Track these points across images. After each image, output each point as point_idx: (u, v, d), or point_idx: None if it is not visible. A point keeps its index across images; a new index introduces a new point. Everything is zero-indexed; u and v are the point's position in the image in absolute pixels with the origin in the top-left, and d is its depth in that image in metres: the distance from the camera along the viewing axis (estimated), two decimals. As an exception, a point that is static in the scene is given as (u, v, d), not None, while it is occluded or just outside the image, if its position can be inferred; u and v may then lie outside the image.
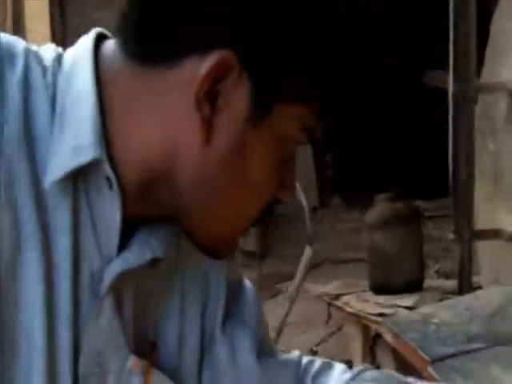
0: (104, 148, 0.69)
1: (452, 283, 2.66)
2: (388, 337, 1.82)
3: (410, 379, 0.97)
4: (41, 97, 0.70)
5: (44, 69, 0.72)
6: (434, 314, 1.82)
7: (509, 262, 2.13)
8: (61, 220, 0.70)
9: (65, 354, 0.71)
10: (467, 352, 1.60)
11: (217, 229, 0.77)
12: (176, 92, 0.69)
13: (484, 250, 2.11)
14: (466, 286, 2.06)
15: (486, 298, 1.88)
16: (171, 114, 0.70)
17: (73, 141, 0.69)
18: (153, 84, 0.70)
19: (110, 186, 0.70)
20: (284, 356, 0.98)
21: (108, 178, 0.69)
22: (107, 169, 0.69)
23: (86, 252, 0.72)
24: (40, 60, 0.72)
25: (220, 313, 0.86)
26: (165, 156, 0.71)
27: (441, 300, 2.41)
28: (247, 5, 0.69)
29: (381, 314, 2.17)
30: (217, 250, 0.79)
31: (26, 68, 0.70)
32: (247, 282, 0.94)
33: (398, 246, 2.62)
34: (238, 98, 0.69)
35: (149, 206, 0.74)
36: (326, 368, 0.96)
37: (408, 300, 2.34)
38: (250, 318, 0.92)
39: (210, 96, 0.68)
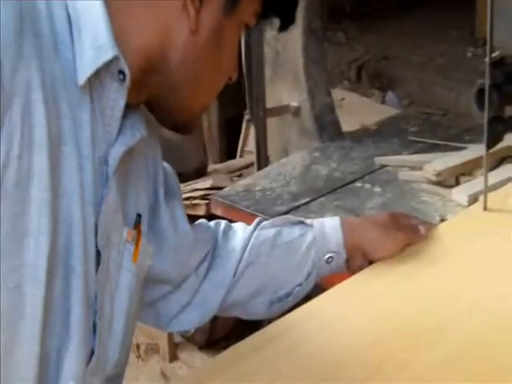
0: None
1: (236, 161, 2.98)
2: (218, 211, 2.03)
3: (306, 220, 1.24)
4: (58, 6, 0.81)
5: None
6: (254, 184, 2.08)
7: (293, 134, 2.47)
8: (83, 114, 0.83)
9: (90, 232, 0.86)
10: (298, 207, 1.91)
11: (195, 102, 0.96)
12: None
13: (271, 126, 2.40)
14: (263, 160, 2.34)
15: (290, 163, 2.19)
16: (164, 8, 0.86)
17: (93, 42, 0.81)
18: None
19: (122, 79, 0.84)
20: (198, 222, 1.21)
21: (121, 71, 0.83)
22: (122, 63, 0.83)
23: (97, 140, 0.85)
24: None
25: (162, 190, 1.05)
26: (160, 45, 0.87)
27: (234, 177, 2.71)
28: None
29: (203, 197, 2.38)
30: (189, 123, 0.99)
31: None
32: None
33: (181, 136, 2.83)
34: None
35: (140, 93, 0.90)
36: (230, 226, 1.21)
37: (205, 183, 2.59)
38: (178, 192, 1.12)
39: None
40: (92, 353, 0.88)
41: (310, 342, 1.05)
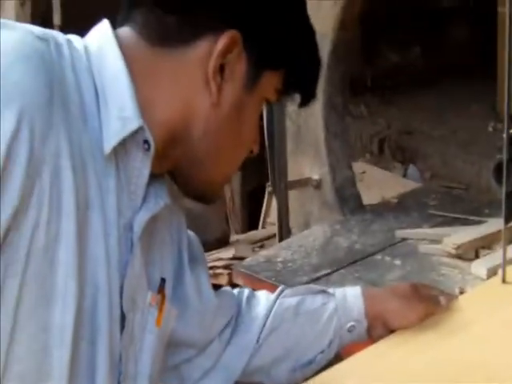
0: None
1: (258, 232, 3.01)
2: (240, 281, 2.06)
3: (328, 289, 1.27)
4: (85, 78, 0.86)
5: (80, 55, 0.87)
6: (276, 255, 2.12)
7: (315, 206, 2.51)
8: (109, 182, 0.87)
9: (116, 295, 0.89)
10: (318, 278, 1.93)
11: (217, 173, 0.99)
12: (192, 66, 0.90)
13: (293, 198, 2.45)
14: (285, 232, 2.38)
15: (312, 235, 2.22)
16: (188, 84, 0.91)
17: (119, 112, 0.85)
18: (172, 61, 0.90)
19: (147, 148, 0.88)
20: (223, 289, 1.24)
21: (146, 141, 0.88)
22: (147, 134, 0.88)
23: (122, 207, 0.89)
24: (75, 48, 0.87)
25: (186, 256, 1.09)
26: (183, 118, 0.92)
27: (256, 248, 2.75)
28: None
29: (225, 267, 2.42)
30: (211, 193, 1.03)
31: (71, 55, 0.85)
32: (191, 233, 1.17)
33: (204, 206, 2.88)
34: (239, 68, 0.92)
35: (164, 163, 0.94)
36: (253, 293, 1.24)
37: (228, 253, 2.63)
38: (202, 258, 1.16)
39: (220, 68, 0.90)
40: None
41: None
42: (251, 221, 3.32)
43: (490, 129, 6.01)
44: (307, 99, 1.02)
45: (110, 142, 0.85)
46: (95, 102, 0.85)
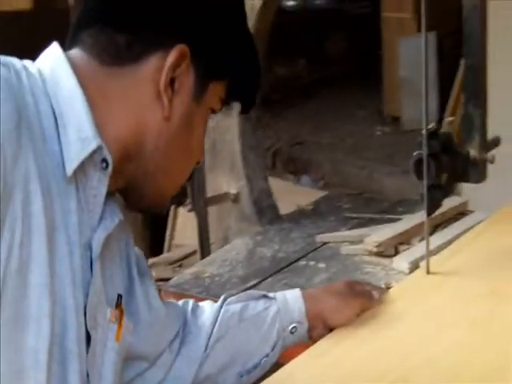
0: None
1: (174, 253, 3.02)
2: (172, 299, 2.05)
3: (269, 293, 1.31)
4: (43, 103, 0.88)
5: (36, 80, 0.89)
6: (202, 271, 2.13)
7: (233, 220, 2.54)
8: (71, 203, 0.89)
9: (81, 314, 0.91)
10: (247, 289, 1.95)
11: (168, 185, 1.03)
12: (143, 82, 0.94)
13: (210, 214, 2.47)
14: (206, 248, 2.40)
15: (234, 249, 2.25)
16: (140, 100, 0.94)
17: (77, 134, 0.88)
18: (123, 78, 0.93)
19: (105, 167, 0.90)
20: (168, 301, 1.27)
21: (104, 160, 0.90)
22: (105, 152, 0.90)
23: (83, 227, 0.91)
24: (31, 73, 0.89)
25: (135, 270, 1.11)
26: (136, 134, 0.95)
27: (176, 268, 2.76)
28: (194, 15, 0.96)
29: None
30: (162, 205, 1.05)
31: (29, 81, 0.87)
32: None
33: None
34: (187, 81, 0.97)
35: (118, 180, 0.96)
36: (197, 304, 1.27)
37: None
38: (147, 270, 1.18)
39: (170, 82, 0.94)
40: None
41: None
42: (154, 243, 3.29)
43: (378, 133, 6.23)
44: (248, 106, 1.06)
45: (71, 163, 0.87)
46: (54, 126, 0.87)
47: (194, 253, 2.70)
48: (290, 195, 3.76)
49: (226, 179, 2.48)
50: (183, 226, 3.11)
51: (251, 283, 1.98)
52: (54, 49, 0.94)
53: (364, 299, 1.32)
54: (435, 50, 6.01)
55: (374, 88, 6.74)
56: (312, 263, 2.03)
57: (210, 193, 2.41)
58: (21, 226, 0.81)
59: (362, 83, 7.41)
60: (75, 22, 0.97)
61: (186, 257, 2.78)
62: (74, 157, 0.87)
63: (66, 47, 0.95)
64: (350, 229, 2.23)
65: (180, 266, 2.81)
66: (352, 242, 2.07)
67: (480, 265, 1.50)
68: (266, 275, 2.01)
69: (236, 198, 2.45)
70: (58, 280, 0.86)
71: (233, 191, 2.47)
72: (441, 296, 1.39)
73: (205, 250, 2.40)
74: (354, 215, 2.33)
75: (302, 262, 2.05)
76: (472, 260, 1.54)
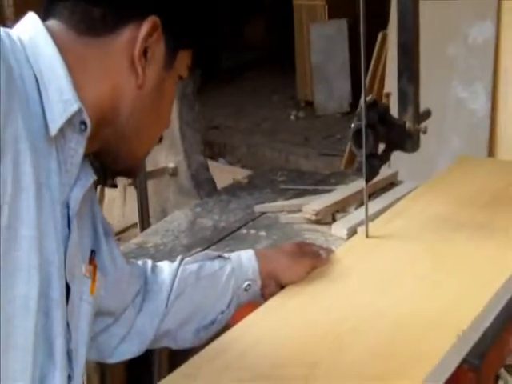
0: None
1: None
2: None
3: (224, 254, 1.39)
4: (26, 68, 0.93)
5: (18, 46, 0.93)
6: (145, 241, 2.17)
7: (171, 193, 2.60)
8: (51, 163, 0.94)
9: (62, 267, 0.96)
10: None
11: (141, 148, 1.10)
12: (118, 52, 1.00)
13: (150, 188, 2.52)
14: (146, 221, 2.45)
15: (175, 220, 2.30)
16: (115, 68, 1.00)
17: (59, 96, 0.93)
18: (99, 48, 0.99)
19: (84, 129, 0.96)
20: (130, 260, 1.33)
21: (82, 122, 0.96)
22: (84, 115, 0.95)
23: (62, 186, 0.97)
24: (13, 40, 0.94)
25: (101, 229, 1.16)
26: (111, 99, 1.01)
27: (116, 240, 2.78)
28: None
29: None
30: (135, 168, 1.12)
31: (12, 47, 0.92)
32: None
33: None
34: (159, 50, 1.03)
35: (93, 143, 1.01)
36: (155, 264, 1.35)
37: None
38: (112, 231, 1.24)
39: (143, 52, 1.00)
40: (69, 378, 0.96)
41: (242, 360, 1.17)
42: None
43: (293, 117, 6.37)
44: (211, 73, 1.13)
45: (55, 124, 0.92)
46: (36, 89, 0.92)
47: (131, 227, 2.75)
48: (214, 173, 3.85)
49: (164, 154, 2.54)
50: (109, 206, 3.15)
51: (195, 251, 2.03)
52: (32, 18, 0.99)
53: (313, 258, 1.41)
54: (346, 36, 6.20)
55: (288, 73, 6.88)
56: (253, 231, 2.10)
57: (149, 167, 2.46)
58: (11, 184, 0.85)
59: (277, 68, 7.54)
60: None
61: (123, 231, 2.82)
62: (56, 118, 0.92)
63: (41, 17, 0.99)
64: (286, 199, 2.32)
65: (119, 239, 2.84)
66: (289, 212, 2.16)
67: (416, 228, 1.62)
68: (209, 243, 2.07)
69: (174, 172, 2.51)
70: (44, 235, 0.91)
71: (171, 165, 2.52)
72: (382, 255, 1.50)
73: (145, 222, 2.45)
74: (290, 187, 2.42)
75: (243, 231, 2.12)
76: (408, 224, 1.65)
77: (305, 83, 6.53)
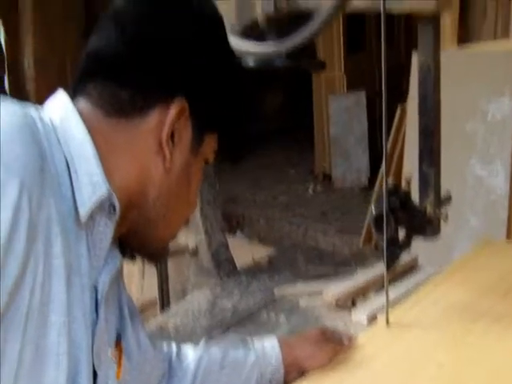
0: None
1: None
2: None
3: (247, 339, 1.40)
4: (57, 150, 0.93)
5: (50, 128, 0.94)
6: (166, 322, 2.19)
7: (192, 273, 2.61)
8: (81, 248, 0.95)
9: (90, 353, 0.96)
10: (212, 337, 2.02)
11: (167, 232, 1.09)
12: (146, 135, 1.00)
13: (170, 266, 2.54)
14: (166, 300, 2.46)
15: (195, 300, 2.32)
16: (143, 152, 1.00)
17: (88, 178, 0.93)
18: (127, 131, 0.99)
19: (112, 212, 0.97)
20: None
21: (112, 206, 0.96)
22: (114, 198, 0.96)
23: (92, 270, 0.97)
24: (45, 121, 0.95)
25: (126, 310, 1.16)
26: (139, 183, 1.01)
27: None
28: (192, 71, 1.03)
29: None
30: (162, 251, 1.12)
31: (44, 129, 0.93)
32: None
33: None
34: (186, 134, 1.03)
35: (121, 226, 1.01)
36: (180, 347, 1.35)
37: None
38: (138, 313, 1.24)
39: (170, 135, 1.01)
40: None
41: None
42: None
43: (311, 191, 6.38)
44: (237, 156, 1.15)
45: (85, 207, 0.92)
46: (67, 172, 0.92)
47: (149, 305, 2.75)
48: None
49: (184, 232, 2.56)
50: (128, 281, 3.15)
51: (215, 333, 2.04)
52: (62, 98, 1.00)
53: (335, 344, 1.41)
54: (365, 107, 6.22)
55: (305, 146, 6.92)
56: (272, 315, 2.11)
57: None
58: (42, 267, 0.86)
59: (294, 141, 7.60)
60: (79, 72, 1.02)
61: (142, 309, 2.82)
62: (86, 201, 0.92)
63: (71, 93, 1.01)
64: (306, 281, 2.32)
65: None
66: (310, 295, 2.16)
67: (436, 316, 1.61)
68: (228, 326, 2.07)
69: (194, 252, 2.53)
70: (73, 320, 0.91)
71: (192, 244, 2.54)
72: (404, 344, 1.50)
73: (165, 300, 2.46)
74: (310, 268, 2.43)
75: (264, 315, 2.13)
76: (428, 312, 1.64)
77: (323, 156, 6.55)
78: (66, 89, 1.03)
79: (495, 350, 1.43)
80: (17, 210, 0.82)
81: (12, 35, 6.47)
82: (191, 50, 1.01)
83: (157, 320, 2.23)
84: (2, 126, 0.85)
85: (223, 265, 2.53)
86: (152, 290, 2.72)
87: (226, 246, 2.58)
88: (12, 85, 6.39)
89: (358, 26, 6.36)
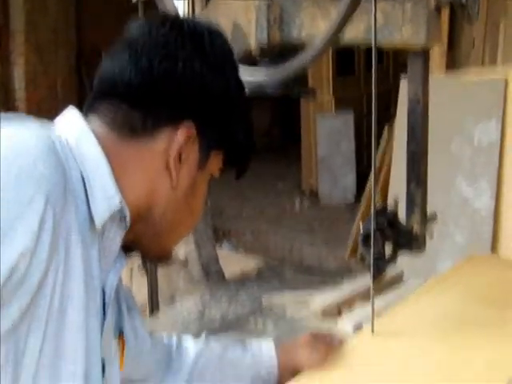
0: None
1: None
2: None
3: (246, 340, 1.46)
4: (74, 168, 0.99)
5: (66, 148, 0.99)
6: (153, 329, 2.23)
7: (181, 281, 2.65)
8: (93, 252, 1.00)
9: (100, 347, 1.02)
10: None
11: (172, 242, 1.16)
12: (155, 154, 1.05)
13: (160, 274, 2.58)
14: (155, 307, 2.50)
15: (185, 309, 2.36)
16: (152, 170, 1.06)
17: (103, 193, 1.00)
18: (138, 150, 1.05)
19: (123, 223, 1.03)
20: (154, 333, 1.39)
21: (123, 218, 1.03)
22: (125, 211, 1.03)
23: (102, 272, 1.03)
24: (61, 141, 1.00)
25: (124, 304, 1.21)
26: (147, 199, 1.07)
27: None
28: (199, 95, 1.08)
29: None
30: (167, 257, 1.17)
31: (61, 148, 0.98)
32: None
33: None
34: (193, 153, 1.08)
35: (128, 235, 1.07)
36: (180, 339, 1.42)
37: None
38: (136, 306, 1.29)
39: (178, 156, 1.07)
40: None
41: None
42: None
43: (297, 206, 6.41)
44: (242, 173, 1.20)
45: (100, 219, 0.99)
46: (83, 188, 0.98)
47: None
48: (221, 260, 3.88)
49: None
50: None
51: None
52: (75, 117, 1.05)
53: (328, 346, 1.47)
54: (352, 128, 6.28)
55: (293, 162, 6.98)
56: (260, 324, 2.15)
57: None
58: (63, 270, 0.92)
59: (282, 156, 7.66)
60: (93, 92, 1.08)
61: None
62: (101, 213, 0.99)
63: (83, 112, 1.06)
64: (293, 291, 2.37)
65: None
66: (297, 304, 2.21)
67: (422, 324, 1.66)
68: (217, 334, 2.11)
69: (184, 263, 2.57)
70: (89, 318, 0.98)
71: (181, 255, 2.58)
72: (389, 352, 1.54)
73: (154, 306, 2.50)
74: (297, 278, 2.48)
75: (251, 322, 2.17)
76: (413, 320, 1.69)
77: (310, 173, 6.62)
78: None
79: (479, 357, 1.47)
80: (42, 221, 0.89)
81: (3, 56, 6.54)
82: (201, 81, 1.07)
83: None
84: (32, 150, 0.92)
85: (213, 276, 2.58)
86: (140, 295, 2.76)
87: (216, 259, 2.63)
88: (3, 106, 6.44)
89: (347, 51, 6.47)
